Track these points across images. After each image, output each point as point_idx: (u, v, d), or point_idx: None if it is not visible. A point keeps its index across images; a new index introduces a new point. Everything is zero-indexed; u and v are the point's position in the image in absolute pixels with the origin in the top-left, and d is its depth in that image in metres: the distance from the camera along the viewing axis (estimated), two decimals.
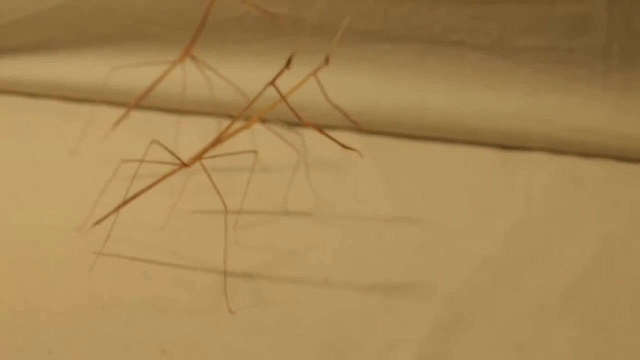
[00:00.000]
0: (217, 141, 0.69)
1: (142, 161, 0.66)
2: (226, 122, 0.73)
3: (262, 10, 0.77)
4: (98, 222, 0.67)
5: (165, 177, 0.68)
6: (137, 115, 0.81)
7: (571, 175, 0.80)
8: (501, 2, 0.82)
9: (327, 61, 0.71)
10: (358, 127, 0.78)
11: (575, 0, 0.82)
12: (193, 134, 0.81)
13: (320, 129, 0.71)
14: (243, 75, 0.81)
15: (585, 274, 0.67)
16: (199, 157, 0.68)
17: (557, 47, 0.83)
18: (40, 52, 0.90)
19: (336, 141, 0.68)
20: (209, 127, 0.81)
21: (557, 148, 0.82)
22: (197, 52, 0.78)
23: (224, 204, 0.64)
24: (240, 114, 0.69)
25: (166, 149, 0.66)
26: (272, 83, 0.69)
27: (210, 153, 0.68)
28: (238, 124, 0.69)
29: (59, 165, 0.79)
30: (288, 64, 0.68)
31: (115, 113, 0.81)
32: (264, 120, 0.74)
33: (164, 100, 0.84)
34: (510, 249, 0.70)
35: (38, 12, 0.89)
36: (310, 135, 0.77)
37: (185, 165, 0.68)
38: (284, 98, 0.70)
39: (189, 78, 0.78)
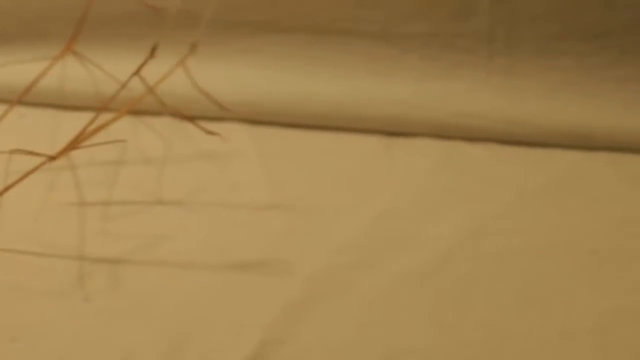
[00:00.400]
0: (82, 134, 0.69)
1: (13, 152, 0.66)
2: (109, 116, 0.73)
3: (146, 4, 0.78)
4: None
5: (31, 171, 0.69)
6: (20, 111, 0.81)
7: (453, 159, 0.80)
8: None
9: (193, 48, 0.72)
10: (235, 116, 0.78)
11: None
12: (75, 128, 0.81)
13: (184, 115, 0.71)
14: (128, 69, 0.82)
15: (448, 253, 0.68)
16: (66, 150, 0.69)
17: (441, 32, 0.83)
18: None
19: (199, 126, 0.69)
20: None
21: (441, 133, 0.82)
22: (82, 48, 0.79)
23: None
24: (104, 107, 0.69)
25: (27, 152, 0.66)
26: (137, 73, 0.69)
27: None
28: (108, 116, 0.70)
29: None
30: (152, 52, 0.69)
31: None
32: (140, 112, 0.75)
33: (47, 95, 0.84)
34: (377, 231, 0.70)
35: None
36: (195, 128, 0.78)
37: (52, 158, 0.68)
38: (151, 89, 0.71)
39: (72, 73, 0.79)
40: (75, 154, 0.68)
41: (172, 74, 0.76)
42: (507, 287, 0.65)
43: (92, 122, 0.69)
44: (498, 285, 0.65)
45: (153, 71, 0.77)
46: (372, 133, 0.83)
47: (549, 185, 0.77)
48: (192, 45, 0.71)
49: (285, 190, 0.75)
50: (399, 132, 0.83)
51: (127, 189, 0.73)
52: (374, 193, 0.75)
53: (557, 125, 0.81)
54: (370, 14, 0.84)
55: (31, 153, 0.67)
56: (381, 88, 0.84)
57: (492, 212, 0.73)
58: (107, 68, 0.79)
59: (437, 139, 0.82)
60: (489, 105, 0.82)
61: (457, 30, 0.83)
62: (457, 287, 0.65)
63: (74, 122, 0.83)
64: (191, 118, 0.71)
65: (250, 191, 0.76)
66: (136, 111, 0.76)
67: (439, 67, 0.84)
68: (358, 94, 0.83)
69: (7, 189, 0.67)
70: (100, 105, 0.79)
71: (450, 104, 0.82)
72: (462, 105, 0.82)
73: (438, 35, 0.83)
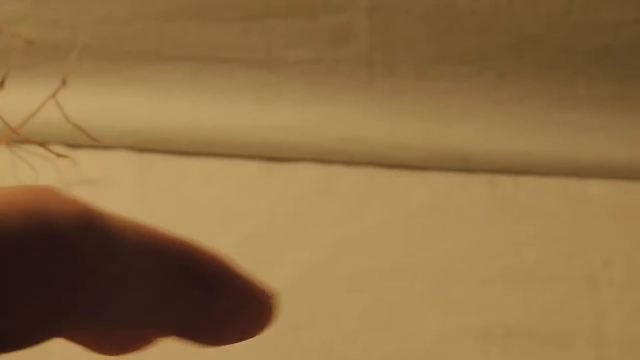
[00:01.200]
0: None
1: None
2: None
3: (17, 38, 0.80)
4: None
5: None
6: None
7: (331, 183, 0.80)
8: (266, 17, 0.84)
9: (63, 82, 0.73)
10: (103, 144, 0.80)
11: (335, 11, 0.83)
12: None
13: (37, 142, 0.73)
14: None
15: (301, 277, 0.68)
16: None
17: (323, 58, 0.84)
18: None
19: (51, 151, 0.70)
20: None
21: (322, 157, 0.83)
22: None
23: None
24: None
25: None
26: None
27: None
28: None
29: None
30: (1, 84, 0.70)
31: None
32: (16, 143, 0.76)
33: None
34: (236, 257, 0.70)
35: None
36: (83, 156, 0.79)
37: None
38: (13, 129, 0.72)
39: None
40: None
41: (45, 106, 0.78)
42: (354, 308, 0.65)
43: None
44: (344, 307, 0.65)
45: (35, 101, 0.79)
46: (254, 158, 0.83)
47: (422, 208, 0.77)
48: (63, 79, 0.72)
49: (157, 217, 0.76)
50: (280, 157, 0.83)
51: None
52: (243, 218, 0.76)
53: (436, 148, 0.82)
54: (252, 41, 0.85)
55: None
56: (264, 114, 0.84)
57: (357, 235, 0.73)
58: None
59: (318, 163, 0.82)
60: (369, 129, 0.83)
61: (337, 56, 0.84)
62: (303, 310, 0.65)
63: None
64: (42, 143, 0.72)
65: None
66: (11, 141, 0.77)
67: (321, 92, 0.84)
68: (241, 120, 0.84)
69: None
70: None
71: (331, 129, 0.83)
72: (343, 129, 0.83)
73: (320, 61, 0.84)
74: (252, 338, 0.29)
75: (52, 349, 0.58)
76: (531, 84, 0.84)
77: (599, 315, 0.68)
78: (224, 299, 0.28)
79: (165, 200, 0.79)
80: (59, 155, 0.70)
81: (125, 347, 0.28)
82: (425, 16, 0.82)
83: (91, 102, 0.86)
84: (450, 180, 0.80)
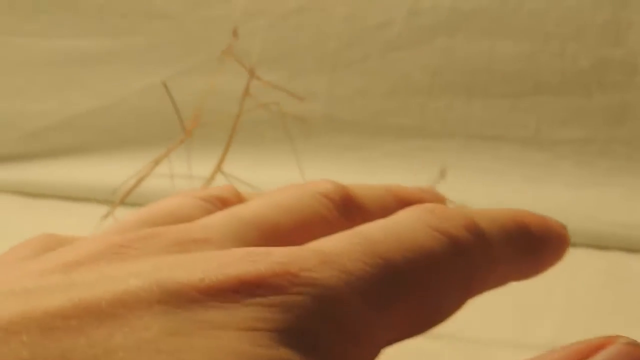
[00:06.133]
0: None
1: None
2: None
3: (288, 92, 0.77)
4: None
5: None
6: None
7: (615, 272, 0.76)
8: (537, 94, 0.81)
9: (443, 174, 0.69)
10: None
11: (611, 89, 0.80)
12: None
13: None
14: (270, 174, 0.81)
15: None
16: None
17: (596, 138, 0.81)
18: (78, 155, 0.91)
19: None
20: None
21: (599, 243, 0.78)
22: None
23: None
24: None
25: None
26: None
27: None
28: None
29: None
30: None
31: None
32: None
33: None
34: None
35: (74, 115, 0.91)
36: None
37: None
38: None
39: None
40: None
41: None
42: None
43: None
44: None
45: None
46: None
47: None
48: (442, 170, 0.69)
49: None
50: None
51: None
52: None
53: None
54: (521, 118, 0.82)
55: None
56: (533, 194, 0.81)
57: None
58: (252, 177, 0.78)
59: (595, 249, 0.78)
60: None
61: (612, 136, 0.80)
62: None
63: None
64: None
65: None
66: None
67: (594, 173, 0.81)
68: (509, 200, 0.81)
69: None
70: None
71: (606, 212, 0.79)
72: (618, 213, 0.79)
73: (592, 141, 0.81)
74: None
75: None
76: None
77: None
78: (545, 252, 0.35)
79: None
80: None
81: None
82: None
83: (350, 175, 0.83)
84: None
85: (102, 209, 0.88)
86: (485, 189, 0.82)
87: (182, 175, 0.77)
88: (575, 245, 0.78)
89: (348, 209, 0.35)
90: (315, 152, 0.82)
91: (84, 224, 0.86)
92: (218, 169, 0.77)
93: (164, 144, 0.88)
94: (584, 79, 0.80)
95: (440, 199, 0.40)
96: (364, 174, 0.84)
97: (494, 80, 0.82)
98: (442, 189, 0.79)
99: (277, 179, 0.80)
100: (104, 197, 0.89)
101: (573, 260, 0.76)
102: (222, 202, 0.36)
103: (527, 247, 0.35)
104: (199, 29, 0.88)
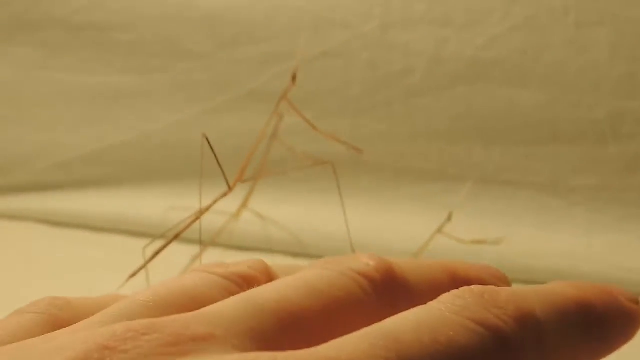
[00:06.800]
0: None
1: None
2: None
3: (348, 144, 0.79)
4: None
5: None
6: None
7: None
8: (553, 142, 0.83)
9: (449, 217, 0.71)
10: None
11: (625, 140, 0.82)
12: None
13: None
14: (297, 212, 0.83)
15: None
16: None
17: (609, 185, 0.83)
18: (103, 187, 0.93)
19: None
20: None
21: None
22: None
23: None
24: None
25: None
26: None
27: None
28: None
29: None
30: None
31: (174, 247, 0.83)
32: None
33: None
34: None
35: (102, 148, 0.93)
36: None
37: None
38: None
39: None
40: None
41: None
42: None
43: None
44: None
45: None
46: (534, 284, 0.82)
47: None
48: (450, 214, 0.71)
49: None
50: None
51: None
52: None
53: None
54: (537, 165, 0.84)
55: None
56: (546, 239, 0.83)
57: None
58: (276, 214, 0.81)
59: None
60: None
61: (625, 184, 0.83)
62: None
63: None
64: None
65: None
66: None
67: (606, 220, 0.83)
68: (524, 244, 0.83)
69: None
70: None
71: (617, 258, 0.81)
72: (628, 259, 0.81)
73: (606, 189, 0.83)
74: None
75: None
76: None
77: None
78: (611, 334, 0.33)
79: None
80: None
81: None
82: None
83: (368, 217, 0.86)
84: None
85: (127, 240, 0.90)
86: (499, 232, 0.84)
87: (210, 210, 0.79)
88: None
89: (390, 291, 0.33)
90: (333, 192, 0.85)
91: (107, 254, 0.88)
92: (244, 205, 0.79)
93: (189, 180, 0.91)
94: (599, 128, 0.82)
95: (501, 278, 0.38)
96: (384, 213, 0.86)
97: (512, 128, 0.84)
98: (455, 229, 0.82)
99: (300, 216, 0.83)
100: (127, 227, 0.91)
101: None
102: (246, 281, 0.33)
103: (589, 331, 0.32)
104: (226, 69, 0.91)
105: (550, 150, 0.84)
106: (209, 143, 0.54)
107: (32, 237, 0.92)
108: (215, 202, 0.55)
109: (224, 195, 0.56)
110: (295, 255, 0.85)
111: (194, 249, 0.81)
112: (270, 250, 0.84)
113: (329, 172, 0.85)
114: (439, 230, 0.70)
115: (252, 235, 0.83)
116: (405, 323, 0.28)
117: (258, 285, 0.31)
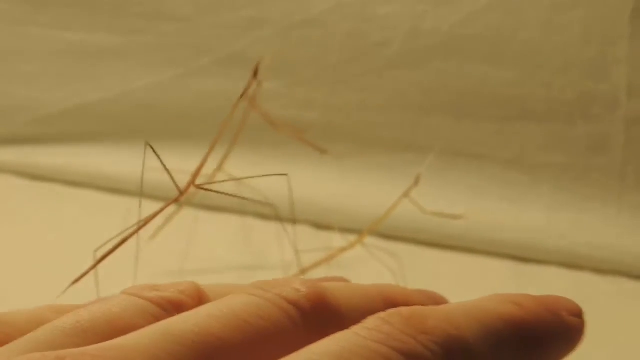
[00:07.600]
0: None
1: None
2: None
3: (311, 145, 0.80)
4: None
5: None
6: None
7: (581, 290, 0.81)
8: (523, 119, 0.86)
9: (416, 181, 0.72)
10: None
11: (594, 119, 0.84)
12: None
13: None
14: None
15: None
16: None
17: (575, 165, 0.85)
18: (82, 143, 0.95)
19: None
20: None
21: (570, 262, 0.83)
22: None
23: None
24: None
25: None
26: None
27: None
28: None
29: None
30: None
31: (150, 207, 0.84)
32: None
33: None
34: None
35: (82, 104, 0.95)
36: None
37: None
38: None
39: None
40: None
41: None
42: None
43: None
44: None
45: None
46: (501, 257, 0.84)
47: None
48: (417, 177, 0.72)
49: None
50: (528, 258, 0.84)
51: None
52: None
53: None
54: (506, 141, 0.86)
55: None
56: (511, 213, 0.85)
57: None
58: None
59: (567, 268, 0.83)
60: (618, 240, 0.83)
61: (590, 164, 0.85)
62: None
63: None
64: None
65: None
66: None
67: (570, 198, 0.85)
68: (490, 218, 0.85)
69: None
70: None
71: (580, 235, 0.84)
72: (591, 236, 0.83)
73: (571, 167, 0.85)
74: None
75: None
76: None
77: None
78: (549, 348, 0.32)
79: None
80: None
81: None
82: None
83: (339, 184, 0.88)
84: None
85: (104, 197, 0.92)
86: (466, 204, 0.86)
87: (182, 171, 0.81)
88: (546, 263, 0.83)
89: (320, 319, 0.31)
90: (307, 157, 0.87)
91: (83, 210, 0.90)
92: (219, 169, 0.81)
93: (166, 138, 0.93)
94: (568, 108, 0.84)
95: (439, 302, 0.37)
96: (354, 180, 0.88)
97: (483, 103, 0.86)
98: (422, 199, 0.84)
99: (270, 181, 0.85)
100: (105, 184, 0.93)
101: (542, 278, 0.81)
102: (175, 307, 0.32)
103: (525, 351, 0.31)
104: (207, 33, 0.93)
105: (519, 127, 0.86)
106: (153, 150, 0.55)
107: (10, 190, 0.94)
108: (162, 210, 0.56)
109: (175, 200, 0.57)
110: (265, 218, 0.87)
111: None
112: (243, 211, 0.86)
113: (304, 138, 0.87)
114: (406, 195, 0.71)
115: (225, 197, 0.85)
116: (322, 352, 0.27)
117: (187, 310, 0.31)
